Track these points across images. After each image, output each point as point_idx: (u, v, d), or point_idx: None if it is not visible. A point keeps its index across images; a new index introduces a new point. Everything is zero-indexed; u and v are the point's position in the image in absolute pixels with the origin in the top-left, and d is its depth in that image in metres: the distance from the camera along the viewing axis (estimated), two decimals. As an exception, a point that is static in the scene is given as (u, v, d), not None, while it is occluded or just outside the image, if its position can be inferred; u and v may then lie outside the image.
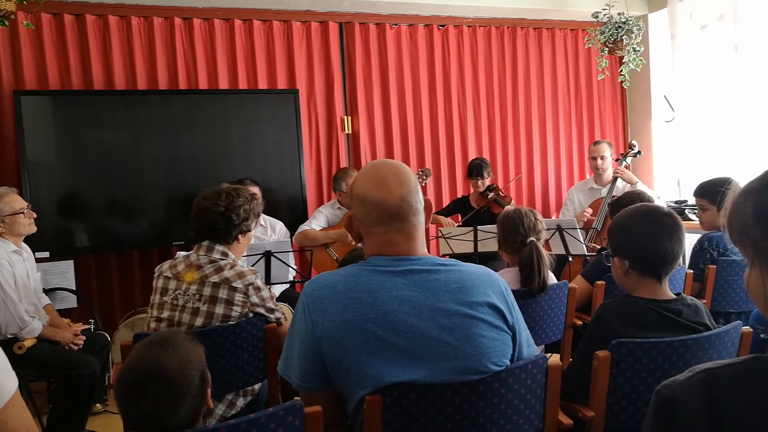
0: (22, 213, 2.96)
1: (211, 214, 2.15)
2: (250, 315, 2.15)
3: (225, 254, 2.17)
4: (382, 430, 1.32)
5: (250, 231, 2.28)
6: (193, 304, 2.09)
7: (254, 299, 2.14)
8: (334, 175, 4.18)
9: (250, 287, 2.13)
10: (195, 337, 1.36)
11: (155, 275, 2.21)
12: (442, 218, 4.43)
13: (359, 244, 1.51)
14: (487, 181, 4.47)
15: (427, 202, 1.48)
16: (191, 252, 2.19)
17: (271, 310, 2.20)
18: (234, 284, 2.11)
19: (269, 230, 3.99)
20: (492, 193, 4.35)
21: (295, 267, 3.44)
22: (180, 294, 2.11)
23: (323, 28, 4.56)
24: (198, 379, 1.28)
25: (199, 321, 2.08)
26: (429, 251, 1.48)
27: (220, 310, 2.09)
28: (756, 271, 0.81)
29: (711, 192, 2.86)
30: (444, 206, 4.74)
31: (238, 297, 2.11)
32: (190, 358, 1.28)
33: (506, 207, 4.21)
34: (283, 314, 2.30)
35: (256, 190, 3.84)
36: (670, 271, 1.69)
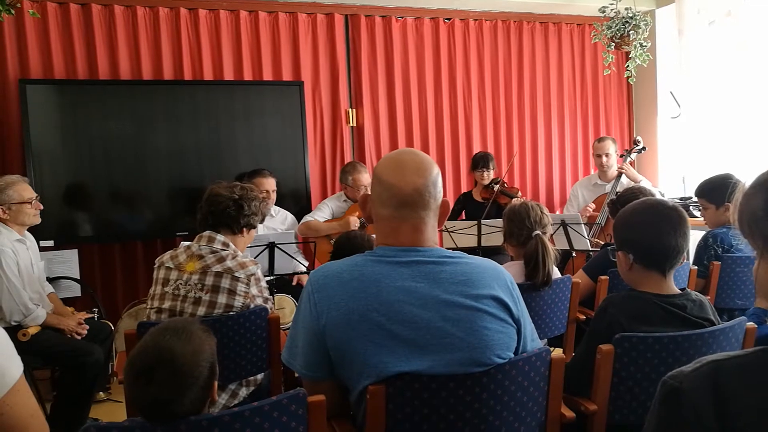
0: (30, 203, 2.97)
1: (225, 199, 2.20)
2: (251, 306, 2.16)
3: (226, 245, 2.18)
4: (385, 420, 1.32)
5: (255, 228, 2.31)
6: (195, 293, 2.09)
7: (254, 290, 2.16)
8: (343, 168, 4.17)
9: (252, 278, 2.15)
10: (209, 329, 1.35)
11: (155, 266, 2.21)
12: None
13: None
14: (492, 173, 4.46)
15: (444, 204, 1.46)
16: (192, 243, 2.20)
17: (266, 300, 2.24)
18: (236, 274, 2.11)
19: (278, 222, 3.99)
20: (498, 185, 4.34)
21: (299, 260, 3.42)
22: (181, 284, 2.11)
23: (329, 20, 4.55)
24: (207, 370, 1.28)
25: (201, 311, 2.08)
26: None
27: (222, 299, 2.09)
28: (765, 263, 0.81)
29: (707, 191, 2.86)
30: None
31: (241, 287, 2.11)
32: (202, 349, 1.28)
33: (514, 199, 4.20)
34: (274, 305, 2.32)
35: (272, 181, 3.83)
36: (675, 266, 1.68)
